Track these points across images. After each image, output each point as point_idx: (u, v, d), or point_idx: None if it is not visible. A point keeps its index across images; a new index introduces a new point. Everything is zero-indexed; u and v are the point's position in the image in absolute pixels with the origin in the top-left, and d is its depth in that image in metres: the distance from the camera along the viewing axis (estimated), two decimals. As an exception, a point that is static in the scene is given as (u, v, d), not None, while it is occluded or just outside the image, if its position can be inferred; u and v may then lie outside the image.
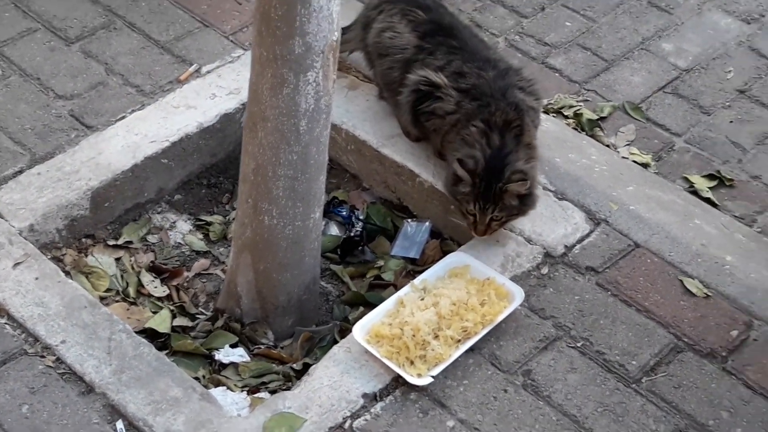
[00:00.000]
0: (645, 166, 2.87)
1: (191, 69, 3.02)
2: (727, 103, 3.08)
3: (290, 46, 2.09)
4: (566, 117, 3.00)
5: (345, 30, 2.95)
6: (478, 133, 2.51)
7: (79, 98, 2.93)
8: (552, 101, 3.04)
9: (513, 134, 2.51)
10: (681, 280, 2.51)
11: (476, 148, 2.50)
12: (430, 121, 2.67)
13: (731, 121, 3.02)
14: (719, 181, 2.84)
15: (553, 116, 2.98)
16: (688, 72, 3.18)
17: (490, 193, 2.46)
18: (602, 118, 3.01)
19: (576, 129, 2.97)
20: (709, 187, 2.82)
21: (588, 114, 3.01)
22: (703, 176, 2.85)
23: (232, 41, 3.12)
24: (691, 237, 2.62)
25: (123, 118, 2.87)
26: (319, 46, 2.11)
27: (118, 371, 2.27)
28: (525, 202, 2.50)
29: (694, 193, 2.80)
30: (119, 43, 3.10)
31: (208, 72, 3.02)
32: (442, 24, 2.75)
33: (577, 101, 3.06)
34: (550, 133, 2.84)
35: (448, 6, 2.91)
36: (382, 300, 2.47)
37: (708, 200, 2.78)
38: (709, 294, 2.49)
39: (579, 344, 2.38)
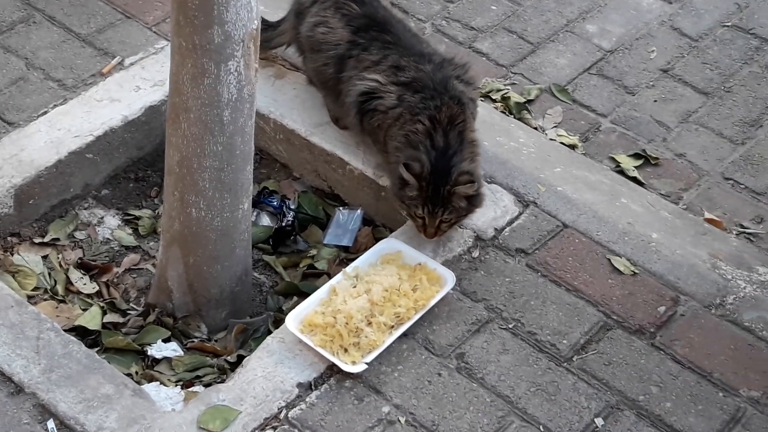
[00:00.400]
0: (572, 147, 2.90)
1: (114, 61, 2.98)
2: (651, 83, 3.12)
3: (209, 36, 2.07)
4: (494, 101, 3.02)
5: (279, 22, 2.92)
6: (422, 132, 2.48)
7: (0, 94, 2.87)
8: (480, 85, 3.05)
9: (457, 131, 2.48)
10: (609, 259, 2.55)
11: (421, 150, 2.46)
12: (374, 118, 2.62)
13: (655, 101, 3.07)
14: (645, 160, 2.89)
15: (481, 100, 2.99)
16: (612, 53, 3.22)
17: (438, 197, 2.44)
18: (529, 101, 3.04)
19: (504, 112, 2.99)
20: (635, 167, 2.86)
21: (515, 97, 3.03)
22: (629, 156, 2.89)
23: (155, 32, 3.08)
24: (618, 216, 2.66)
25: (45, 113, 2.82)
26: (238, 35, 2.09)
27: (48, 370, 2.23)
28: (473, 202, 2.49)
29: (621, 172, 2.84)
30: (39, 37, 3.04)
31: (132, 64, 2.97)
32: (376, 18, 2.71)
33: (505, 85, 3.08)
34: (479, 117, 2.84)
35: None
36: (315, 289, 2.47)
37: (634, 179, 2.82)
38: (637, 271, 2.53)
39: (511, 326, 2.40)
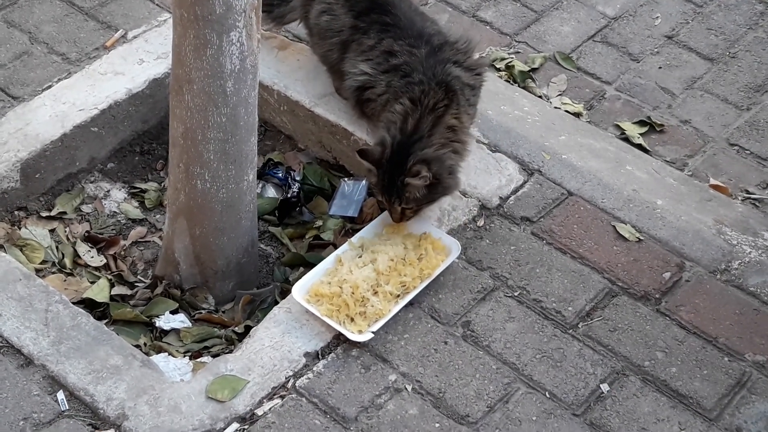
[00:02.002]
0: (577, 115, 2.89)
1: (117, 35, 2.97)
2: (656, 50, 3.11)
3: (211, 6, 2.07)
4: (498, 70, 3.01)
5: None
6: (399, 113, 2.43)
7: (4, 69, 2.87)
8: (484, 54, 3.04)
9: (434, 116, 2.42)
10: (614, 226, 2.55)
11: (389, 134, 2.42)
12: (369, 107, 2.63)
13: (660, 67, 3.06)
14: (650, 126, 2.88)
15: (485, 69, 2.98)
16: (617, 20, 3.20)
17: (393, 187, 2.38)
18: (534, 70, 3.03)
19: (508, 81, 2.98)
20: (640, 134, 2.85)
21: (520, 66, 3.02)
22: (634, 123, 2.89)
23: (157, 5, 3.07)
24: (623, 183, 2.66)
25: (49, 87, 2.82)
26: (240, 5, 2.09)
27: (57, 342, 2.25)
28: (435, 190, 2.41)
29: (626, 139, 2.83)
30: (42, 11, 3.03)
31: (135, 37, 2.97)
32: (377, 0, 2.66)
33: (509, 53, 3.07)
34: (483, 87, 2.84)
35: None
36: (321, 260, 2.48)
37: (639, 146, 2.81)
38: (642, 238, 2.53)
39: (516, 293, 2.41)
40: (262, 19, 2.89)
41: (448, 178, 2.43)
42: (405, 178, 2.36)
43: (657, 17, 3.22)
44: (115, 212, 2.77)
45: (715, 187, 2.71)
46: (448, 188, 2.45)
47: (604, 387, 2.24)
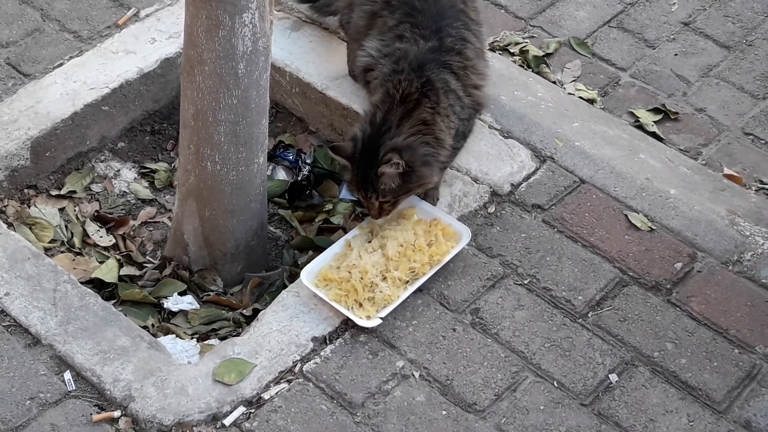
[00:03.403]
0: (591, 101, 2.87)
1: (129, 13, 2.96)
2: (672, 36, 3.08)
3: (223, -13, 2.05)
4: (512, 54, 2.99)
5: None
6: (377, 103, 2.38)
7: (15, 46, 2.86)
8: (498, 38, 3.02)
9: (405, 109, 2.35)
10: (626, 215, 2.53)
11: (360, 127, 2.37)
12: (370, 89, 2.57)
13: (676, 54, 3.02)
14: (664, 114, 2.85)
15: (499, 53, 2.96)
16: (633, 5, 3.17)
17: (367, 180, 2.33)
18: (548, 55, 3.00)
19: (522, 66, 2.95)
20: (655, 121, 2.83)
21: (534, 51, 2.99)
22: (649, 110, 2.86)
23: (171, -17, 3.06)
24: (636, 171, 2.63)
25: (61, 65, 2.81)
26: (253, -15, 2.07)
27: (64, 322, 2.25)
28: (409, 180, 2.33)
29: (640, 127, 2.81)
30: (54, -12, 3.03)
31: (147, 16, 2.95)
32: None
33: (523, 38, 3.04)
34: (497, 71, 2.82)
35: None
36: (331, 244, 2.47)
37: (653, 134, 2.79)
38: (654, 227, 2.51)
39: (526, 281, 2.39)
40: (309, 9, 2.88)
41: (422, 168, 2.34)
42: (378, 168, 2.30)
43: (674, 3, 3.18)
44: (124, 192, 2.77)
45: (729, 177, 2.68)
46: (422, 177, 2.36)
47: (613, 377, 2.23)
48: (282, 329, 2.27)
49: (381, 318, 2.27)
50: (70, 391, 2.15)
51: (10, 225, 2.55)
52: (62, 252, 2.59)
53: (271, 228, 2.69)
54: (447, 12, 2.50)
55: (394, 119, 2.35)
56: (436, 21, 2.48)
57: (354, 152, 2.35)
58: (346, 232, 2.54)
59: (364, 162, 2.33)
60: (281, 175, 2.81)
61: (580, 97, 2.87)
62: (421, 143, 2.35)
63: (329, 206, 2.74)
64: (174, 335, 2.39)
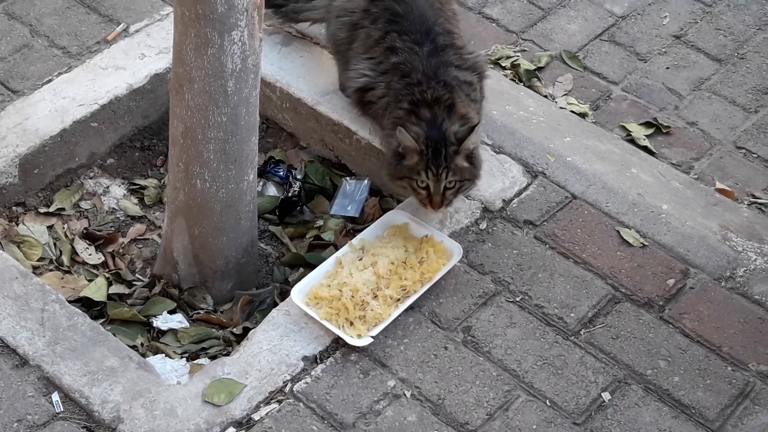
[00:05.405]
0: (583, 115, 2.86)
1: (119, 28, 2.94)
2: (663, 50, 3.07)
3: (212, 5, 2.04)
4: (504, 68, 2.98)
5: None
6: (405, 114, 2.44)
7: (4, 62, 2.84)
8: (489, 52, 3.01)
9: (443, 107, 2.43)
10: (618, 231, 2.52)
11: (410, 122, 2.42)
12: (371, 109, 2.62)
13: (667, 68, 3.02)
14: (656, 128, 2.85)
15: (491, 68, 2.95)
16: (624, 19, 3.16)
17: (441, 157, 2.38)
18: (540, 68, 2.99)
19: (514, 80, 2.94)
20: (646, 135, 2.82)
21: (525, 64, 2.99)
22: (640, 124, 2.85)
23: (160, -2, 3.05)
24: (628, 186, 2.62)
25: (50, 81, 2.79)
26: (242, 3, 2.06)
27: (53, 342, 2.23)
28: (474, 163, 2.42)
29: (632, 141, 2.80)
30: (43, 4, 3.00)
31: (137, 31, 2.94)
32: None
33: (515, 51, 3.03)
34: (488, 86, 2.80)
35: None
36: (322, 260, 2.45)
37: (645, 148, 2.78)
38: (646, 243, 2.50)
39: (518, 299, 2.38)
40: (273, 15, 2.87)
41: (477, 158, 2.45)
42: (454, 144, 2.37)
43: (665, 16, 3.18)
44: (114, 209, 2.75)
45: (722, 191, 2.67)
46: (480, 164, 2.46)
47: (606, 396, 2.21)
48: (272, 348, 2.25)
49: (372, 337, 2.26)
50: (58, 413, 2.12)
51: (-2, 243, 2.53)
52: (51, 270, 2.57)
53: (262, 244, 2.67)
54: (426, 12, 2.58)
55: (442, 114, 2.42)
56: (422, 23, 2.54)
57: (419, 137, 2.38)
58: (337, 248, 2.53)
59: (434, 143, 2.37)
60: (272, 191, 2.79)
61: (572, 111, 2.86)
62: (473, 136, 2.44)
63: (320, 222, 2.73)
64: (163, 354, 2.37)
